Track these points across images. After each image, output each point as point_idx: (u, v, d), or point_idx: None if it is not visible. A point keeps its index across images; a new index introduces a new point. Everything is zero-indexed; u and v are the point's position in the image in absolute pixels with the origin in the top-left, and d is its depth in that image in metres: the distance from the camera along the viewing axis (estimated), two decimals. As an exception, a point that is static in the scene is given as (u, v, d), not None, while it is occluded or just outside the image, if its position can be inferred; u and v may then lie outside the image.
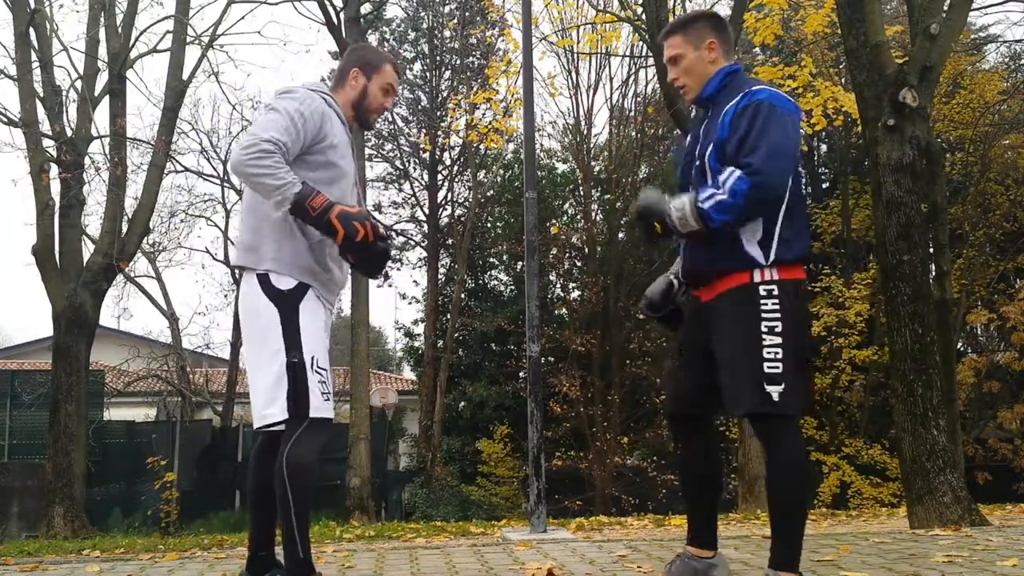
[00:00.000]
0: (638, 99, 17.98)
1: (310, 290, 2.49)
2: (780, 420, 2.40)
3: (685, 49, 2.58)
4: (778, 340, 2.38)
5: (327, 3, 13.17)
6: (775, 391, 2.36)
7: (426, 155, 19.27)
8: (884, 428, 15.75)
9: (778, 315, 2.39)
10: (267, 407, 2.42)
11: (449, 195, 20.27)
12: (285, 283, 2.45)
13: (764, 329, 2.39)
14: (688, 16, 2.69)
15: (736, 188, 2.35)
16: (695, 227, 2.43)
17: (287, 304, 2.44)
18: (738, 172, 2.36)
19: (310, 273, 2.49)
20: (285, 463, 2.39)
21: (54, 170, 11.31)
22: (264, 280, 2.45)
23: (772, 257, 2.42)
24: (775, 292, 2.40)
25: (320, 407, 2.42)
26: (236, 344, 17.73)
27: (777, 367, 2.37)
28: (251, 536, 2.63)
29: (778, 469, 2.42)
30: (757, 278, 2.42)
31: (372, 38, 19.33)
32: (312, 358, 2.42)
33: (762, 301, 2.40)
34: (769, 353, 2.37)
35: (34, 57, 11.32)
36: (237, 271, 2.59)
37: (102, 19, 11.64)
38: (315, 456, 2.45)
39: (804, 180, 20.48)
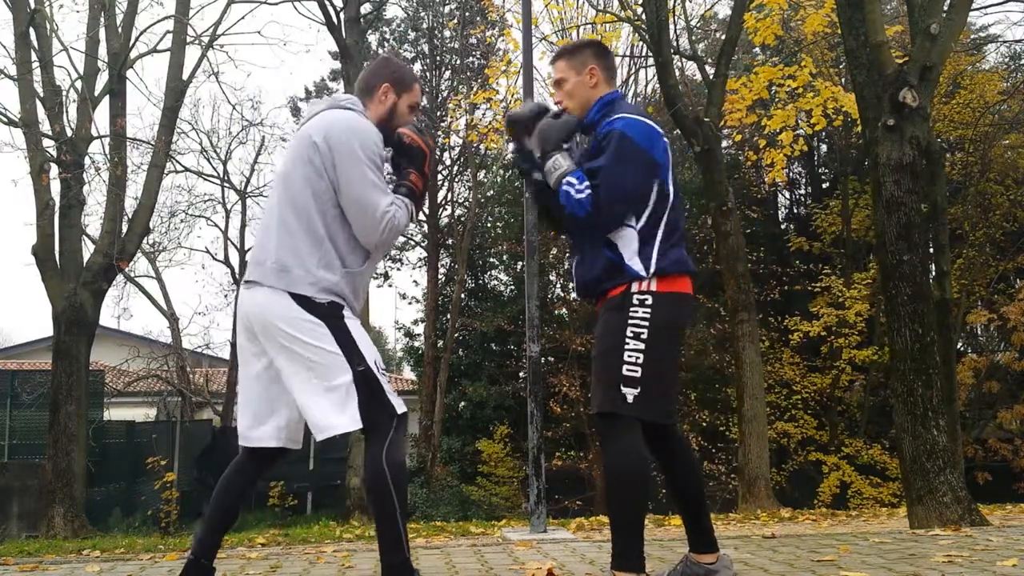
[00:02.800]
0: (638, 99, 17.96)
1: (345, 307, 2.50)
2: (627, 421, 2.49)
3: (568, 74, 2.77)
4: (641, 346, 2.50)
5: (327, 3, 13.18)
6: (630, 393, 2.48)
7: (426, 155, 19.22)
8: (884, 428, 15.75)
9: (646, 323, 2.51)
10: (336, 417, 2.38)
11: (449, 195, 20.27)
12: (324, 301, 2.45)
13: (629, 334, 2.51)
14: (574, 44, 2.92)
15: (583, 202, 2.56)
16: (550, 184, 2.65)
17: (333, 317, 2.44)
18: (589, 192, 2.55)
19: (342, 299, 2.50)
20: (387, 466, 2.37)
21: (54, 170, 11.30)
22: (303, 299, 2.43)
23: (653, 268, 2.54)
24: (648, 302, 2.53)
25: (399, 404, 2.45)
26: (236, 344, 17.70)
27: (636, 371, 2.49)
28: (200, 541, 2.57)
29: (616, 469, 2.51)
30: (634, 288, 2.55)
31: (372, 38, 19.36)
32: (375, 362, 2.44)
33: (632, 309, 2.53)
34: (630, 356, 2.49)
35: (34, 57, 11.31)
36: (252, 285, 2.50)
37: (102, 19, 11.64)
38: (404, 452, 2.46)
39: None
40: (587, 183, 2.57)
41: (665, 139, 2.64)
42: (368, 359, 2.43)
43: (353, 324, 2.48)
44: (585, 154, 2.73)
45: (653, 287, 2.54)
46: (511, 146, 2.83)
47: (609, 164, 2.55)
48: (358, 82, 2.72)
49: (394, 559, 2.39)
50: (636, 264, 2.55)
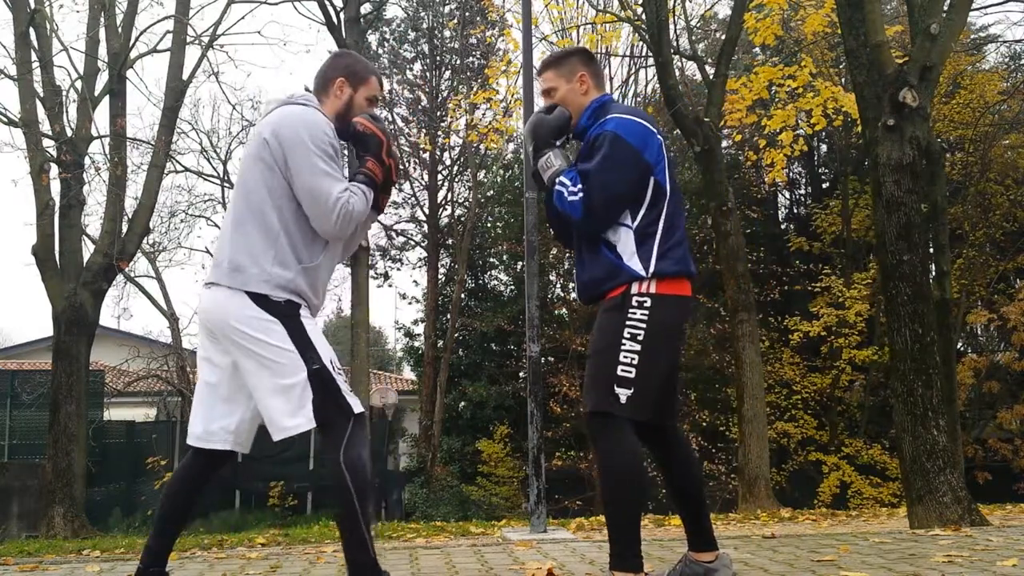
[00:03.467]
0: (638, 99, 17.97)
1: (302, 307, 2.49)
2: (619, 421, 2.48)
3: (558, 82, 2.76)
4: (636, 347, 2.49)
5: (327, 3, 13.16)
6: (623, 393, 2.48)
7: (426, 155, 19.26)
8: (884, 428, 15.76)
9: (643, 325, 2.50)
10: (291, 418, 2.37)
11: (449, 195, 20.26)
12: (281, 299, 2.45)
13: (626, 335, 2.50)
14: (561, 52, 2.89)
15: (576, 205, 2.56)
16: (543, 182, 2.69)
17: (289, 316, 2.44)
18: (582, 195, 2.55)
19: (300, 296, 2.49)
20: (345, 465, 2.36)
21: (54, 170, 11.30)
22: (259, 298, 2.43)
23: (652, 269, 2.53)
24: (647, 304, 2.52)
25: (356, 404, 2.44)
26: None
27: (630, 372, 2.48)
28: (151, 549, 2.54)
29: (612, 469, 2.50)
30: (634, 290, 2.53)
31: (372, 38, 19.35)
32: (330, 361, 2.43)
33: (631, 310, 2.52)
34: (625, 357, 2.49)
35: (34, 57, 11.31)
36: (211, 287, 2.50)
37: (102, 19, 11.64)
38: (366, 452, 2.44)
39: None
40: (580, 186, 2.57)
41: (660, 137, 2.62)
42: (323, 358, 2.41)
43: (309, 323, 2.47)
44: (579, 158, 2.71)
45: (653, 289, 2.52)
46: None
47: (599, 166, 2.54)
48: (315, 77, 2.72)
49: (360, 557, 2.39)
50: (635, 264, 2.53)
